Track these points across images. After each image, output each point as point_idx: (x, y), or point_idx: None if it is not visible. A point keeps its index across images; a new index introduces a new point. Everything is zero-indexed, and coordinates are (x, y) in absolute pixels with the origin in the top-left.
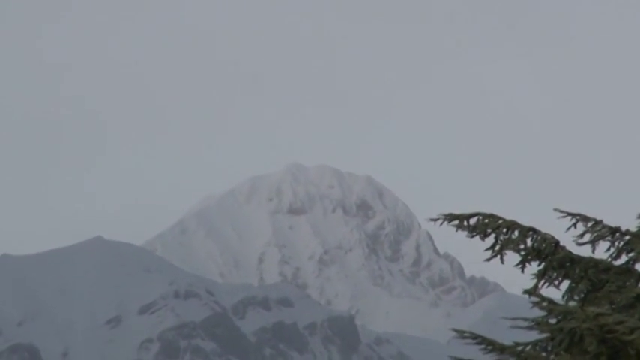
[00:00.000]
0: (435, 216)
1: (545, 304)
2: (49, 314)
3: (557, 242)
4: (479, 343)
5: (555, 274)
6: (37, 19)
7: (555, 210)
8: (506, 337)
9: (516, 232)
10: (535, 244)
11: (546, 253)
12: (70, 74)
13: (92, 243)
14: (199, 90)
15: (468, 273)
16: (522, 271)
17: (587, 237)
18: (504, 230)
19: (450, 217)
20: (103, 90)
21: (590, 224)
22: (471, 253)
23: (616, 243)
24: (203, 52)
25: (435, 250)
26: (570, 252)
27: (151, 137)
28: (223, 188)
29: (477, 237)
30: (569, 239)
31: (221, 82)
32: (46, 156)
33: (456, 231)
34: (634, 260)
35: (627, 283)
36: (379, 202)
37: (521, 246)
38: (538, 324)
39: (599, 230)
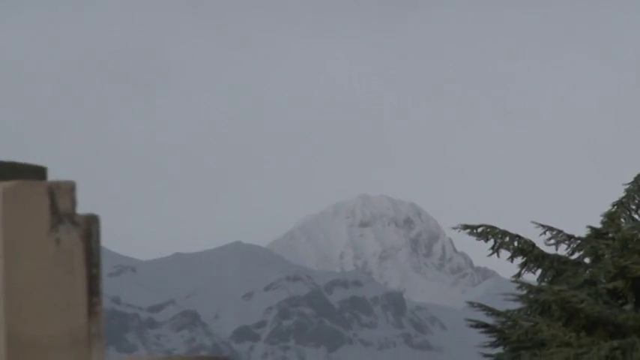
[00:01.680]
0: (454, 226)
1: (525, 284)
2: (205, 291)
3: (533, 244)
4: (483, 310)
5: (532, 265)
6: None
7: (533, 222)
8: (501, 307)
9: (507, 238)
10: (520, 245)
11: (527, 252)
12: None
13: (235, 245)
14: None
15: (475, 264)
16: (512, 262)
17: (552, 241)
18: (499, 236)
19: (464, 227)
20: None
21: (554, 232)
22: (478, 250)
23: (571, 245)
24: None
25: (454, 249)
26: (542, 250)
27: (273, 170)
28: (317, 209)
29: (482, 240)
30: (542, 241)
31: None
32: (219, 175)
33: (468, 236)
34: (582, 256)
35: (579, 271)
36: (418, 218)
37: (511, 246)
38: (521, 297)
39: (560, 237)
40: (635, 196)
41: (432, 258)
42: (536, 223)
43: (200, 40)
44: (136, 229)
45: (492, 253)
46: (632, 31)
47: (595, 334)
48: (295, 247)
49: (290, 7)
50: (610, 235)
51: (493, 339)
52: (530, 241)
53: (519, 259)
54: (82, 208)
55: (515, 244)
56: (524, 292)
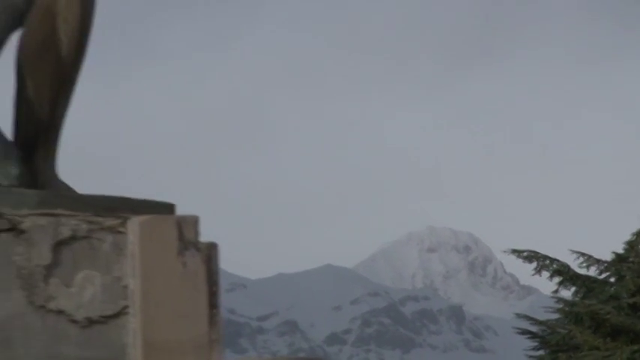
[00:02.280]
0: (504, 250)
1: (562, 299)
2: (303, 305)
3: (568, 266)
4: (528, 320)
5: (568, 283)
6: None
7: (569, 250)
8: (542, 318)
9: (547, 261)
10: (557, 267)
11: (563, 272)
12: None
13: (327, 267)
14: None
15: (521, 282)
16: (551, 281)
17: (584, 264)
18: (541, 259)
19: (512, 252)
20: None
21: (585, 257)
22: (524, 271)
23: (599, 267)
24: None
25: (504, 271)
26: (575, 272)
27: (358, 206)
28: (394, 238)
29: (527, 263)
30: (576, 264)
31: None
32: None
33: (516, 259)
34: (608, 276)
35: (605, 289)
36: (475, 245)
37: (550, 268)
38: (558, 310)
39: (590, 261)
40: None
41: (486, 278)
42: (572, 250)
43: (297, 99)
44: (247, 253)
45: (535, 274)
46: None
47: (619, 340)
48: (376, 268)
49: (362, 68)
50: (630, 259)
51: (536, 344)
52: (566, 263)
53: (557, 279)
54: (205, 236)
55: (554, 266)
56: (561, 305)
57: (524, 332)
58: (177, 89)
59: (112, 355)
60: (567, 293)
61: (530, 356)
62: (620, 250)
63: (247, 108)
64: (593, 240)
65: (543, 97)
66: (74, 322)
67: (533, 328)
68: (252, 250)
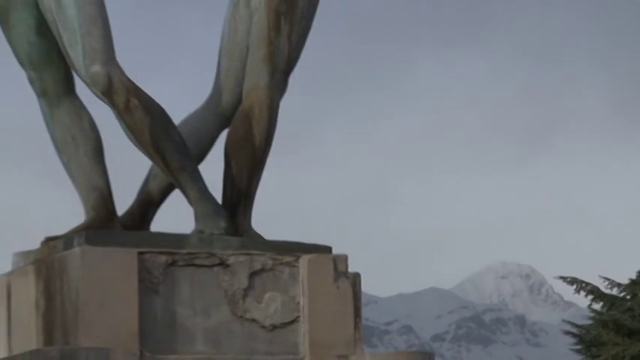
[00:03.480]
0: (554, 276)
1: (594, 311)
2: (415, 315)
3: (598, 288)
4: (571, 325)
5: (598, 299)
6: None
7: (600, 276)
8: (580, 323)
9: (583, 284)
10: (590, 288)
11: (594, 292)
12: None
13: (432, 289)
14: None
15: (565, 299)
16: (586, 297)
17: (609, 286)
18: (579, 283)
19: (560, 277)
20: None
21: (610, 281)
22: (567, 291)
23: (620, 288)
24: None
25: (553, 290)
26: (603, 292)
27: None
28: (477, 269)
29: (570, 285)
30: (604, 286)
31: None
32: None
33: (562, 283)
34: (626, 295)
35: (623, 304)
36: (533, 273)
37: (585, 289)
38: (591, 318)
39: (613, 283)
40: None
41: (541, 296)
42: (600, 276)
43: (417, 175)
44: (378, 278)
45: (575, 293)
46: None
47: (633, 338)
48: (465, 289)
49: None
50: None
51: (575, 341)
52: (596, 286)
53: (590, 297)
54: (353, 266)
55: (588, 288)
56: (593, 315)
57: (567, 333)
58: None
59: (288, 349)
60: (597, 306)
61: (572, 349)
62: (634, 276)
63: (378, 181)
64: (616, 267)
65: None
66: (263, 327)
67: (574, 331)
68: (381, 276)
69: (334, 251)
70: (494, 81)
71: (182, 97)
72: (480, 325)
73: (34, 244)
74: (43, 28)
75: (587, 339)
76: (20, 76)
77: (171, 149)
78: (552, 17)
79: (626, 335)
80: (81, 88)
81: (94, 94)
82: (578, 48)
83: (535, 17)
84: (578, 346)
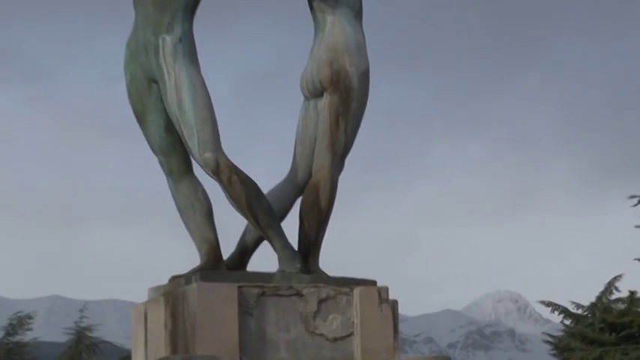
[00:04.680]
0: (536, 301)
1: (565, 325)
2: (435, 329)
3: (567, 308)
4: (549, 336)
5: (567, 317)
6: None
7: (569, 300)
8: (556, 335)
9: (557, 307)
10: (562, 309)
11: (565, 312)
12: None
13: (446, 311)
14: None
15: (544, 317)
16: (558, 316)
17: (576, 307)
18: (554, 306)
19: (540, 302)
20: None
21: (577, 304)
22: (546, 311)
23: (584, 310)
24: None
25: (535, 310)
26: (571, 311)
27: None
28: (479, 295)
29: (546, 307)
30: (573, 307)
31: None
32: None
33: (542, 305)
34: (588, 314)
35: (587, 320)
36: (520, 298)
37: (558, 310)
38: (562, 331)
39: (579, 306)
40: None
41: (526, 315)
42: (570, 301)
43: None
44: (408, 303)
45: (551, 312)
46: None
47: (594, 345)
48: (472, 310)
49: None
50: (598, 305)
51: (552, 347)
52: (566, 307)
53: (562, 315)
54: (390, 295)
55: (560, 309)
56: (564, 328)
57: (546, 342)
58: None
59: (346, 356)
60: (567, 322)
61: (550, 354)
62: (594, 300)
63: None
64: (581, 294)
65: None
66: (328, 339)
67: (551, 340)
68: (410, 300)
69: (378, 284)
70: (490, 159)
71: (268, 174)
72: (482, 336)
73: (164, 280)
74: (170, 126)
75: (560, 346)
76: (153, 160)
77: (261, 212)
78: (531, 112)
79: (589, 343)
80: (197, 169)
81: (206, 173)
82: (551, 135)
83: (519, 112)
84: (554, 352)
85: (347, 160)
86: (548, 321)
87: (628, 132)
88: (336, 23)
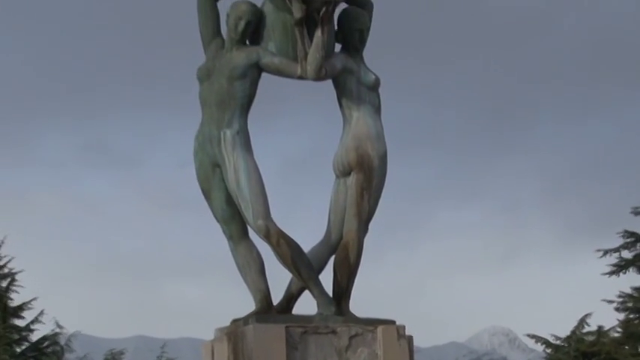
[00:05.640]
0: (523, 334)
1: (547, 353)
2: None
3: (547, 339)
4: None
5: (548, 347)
6: None
7: (549, 333)
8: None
9: (540, 339)
10: (544, 340)
11: (546, 342)
12: None
13: (452, 343)
14: None
15: (530, 346)
16: (542, 346)
17: (554, 339)
18: (538, 338)
19: (526, 335)
20: None
21: (555, 336)
22: (531, 341)
23: (562, 340)
24: None
25: (522, 342)
26: (550, 341)
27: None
28: (477, 330)
29: (531, 339)
30: (552, 338)
31: None
32: None
33: (527, 337)
34: (565, 344)
35: (564, 350)
36: (510, 332)
37: (540, 341)
38: (544, 358)
39: (557, 338)
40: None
41: (516, 345)
42: (550, 333)
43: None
44: (419, 336)
45: (535, 343)
46: None
47: None
48: (472, 342)
49: None
50: (573, 337)
51: None
52: (547, 339)
53: (544, 346)
54: (407, 331)
55: (542, 340)
56: (546, 356)
57: None
58: None
59: None
60: (548, 351)
61: None
62: (569, 334)
63: None
64: (559, 329)
65: None
66: None
67: None
68: (421, 334)
69: (397, 323)
70: (485, 223)
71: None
72: None
73: (226, 322)
74: (230, 201)
75: None
76: (216, 227)
77: (303, 267)
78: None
79: None
80: (251, 233)
81: (260, 237)
82: (533, 202)
83: (508, 184)
84: None
85: (370, 225)
86: (533, 350)
87: (594, 198)
88: (360, 118)
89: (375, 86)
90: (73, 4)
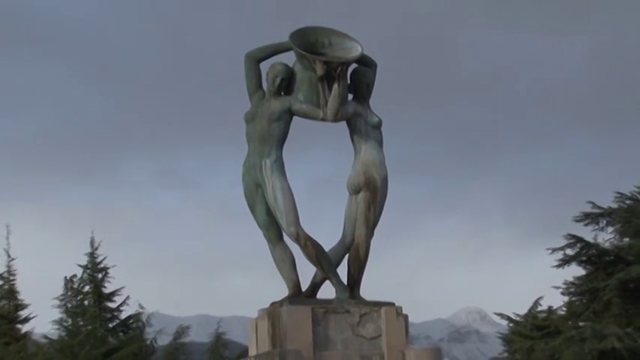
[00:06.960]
0: (493, 312)
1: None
2: (431, 330)
3: (510, 317)
4: (500, 334)
5: (511, 323)
6: None
7: (512, 312)
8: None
9: (505, 315)
10: (509, 317)
11: (509, 319)
12: None
13: (439, 320)
14: None
15: (497, 322)
16: (506, 321)
17: (519, 317)
18: (505, 317)
19: (494, 313)
20: None
21: (521, 316)
22: (498, 319)
23: (526, 320)
24: None
25: (492, 319)
26: (513, 319)
27: None
28: (455, 309)
29: (500, 317)
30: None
31: None
32: None
33: (496, 315)
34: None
35: (526, 327)
36: (481, 311)
37: (505, 318)
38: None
39: (521, 316)
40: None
41: (487, 321)
42: (513, 312)
43: None
44: (415, 315)
45: (501, 319)
46: None
47: (527, 339)
48: (454, 318)
49: None
50: (531, 314)
51: (503, 341)
52: (510, 315)
53: (507, 321)
54: (404, 311)
55: (506, 316)
56: (509, 329)
57: (499, 337)
58: None
59: (377, 347)
60: (511, 325)
61: (502, 345)
62: (526, 311)
63: None
64: (521, 306)
65: None
66: (366, 339)
67: (502, 336)
68: (414, 312)
69: (396, 304)
70: (461, 228)
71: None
72: (459, 334)
73: (266, 304)
74: (269, 212)
75: (507, 340)
76: (259, 232)
77: (325, 263)
78: (487, 199)
79: (524, 338)
80: (285, 237)
81: (291, 239)
82: (499, 213)
83: (480, 199)
84: (504, 344)
85: (375, 231)
86: (499, 324)
87: (545, 210)
88: (367, 149)
89: (378, 126)
90: (154, 63)
